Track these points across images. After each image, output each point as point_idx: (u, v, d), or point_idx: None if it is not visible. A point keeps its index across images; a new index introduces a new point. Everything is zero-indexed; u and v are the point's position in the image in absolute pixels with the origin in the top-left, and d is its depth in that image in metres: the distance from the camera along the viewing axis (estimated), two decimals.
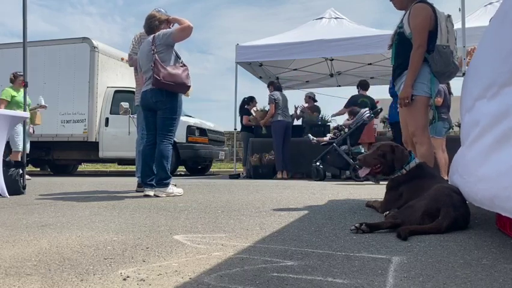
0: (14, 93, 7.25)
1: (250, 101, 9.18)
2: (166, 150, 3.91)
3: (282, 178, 7.37)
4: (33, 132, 8.01)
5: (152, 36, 3.98)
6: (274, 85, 8.09)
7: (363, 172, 2.72)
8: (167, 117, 3.93)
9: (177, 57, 4.01)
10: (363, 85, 7.97)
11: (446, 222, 1.93)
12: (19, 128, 7.18)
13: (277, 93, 7.82)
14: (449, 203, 1.97)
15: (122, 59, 10.17)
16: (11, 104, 7.18)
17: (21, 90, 7.49)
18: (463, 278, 1.26)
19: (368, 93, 7.97)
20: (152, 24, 4.05)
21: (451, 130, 6.85)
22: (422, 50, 2.95)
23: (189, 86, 3.97)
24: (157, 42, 3.90)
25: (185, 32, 3.91)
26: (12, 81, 7.36)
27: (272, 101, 7.75)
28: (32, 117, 7.53)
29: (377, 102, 7.96)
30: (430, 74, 3.02)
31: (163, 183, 3.89)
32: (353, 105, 7.80)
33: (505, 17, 1.70)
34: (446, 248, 1.66)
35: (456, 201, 2.01)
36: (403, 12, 3.19)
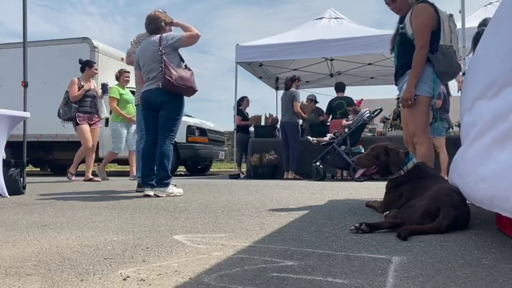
0: (121, 91, 6.93)
1: (241, 100, 9.20)
2: (168, 150, 3.92)
3: (287, 179, 7.32)
4: None
5: (158, 36, 3.97)
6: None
7: (358, 173, 2.74)
8: (170, 117, 3.94)
9: (181, 60, 4.04)
10: (338, 87, 8.04)
11: (446, 222, 1.93)
12: (123, 130, 6.88)
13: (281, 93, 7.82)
14: (449, 203, 1.97)
15: (122, 59, 10.14)
16: (120, 102, 6.84)
17: (126, 88, 7.11)
18: (463, 278, 1.26)
19: (367, 93, 8.03)
20: (158, 25, 4.05)
21: (450, 130, 6.87)
22: (425, 51, 2.95)
23: (196, 90, 4.03)
24: (164, 44, 3.91)
25: (193, 39, 3.99)
26: (117, 78, 7.04)
27: None
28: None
29: (360, 101, 7.97)
30: (433, 74, 3.02)
31: (163, 183, 3.89)
32: (330, 108, 7.84)
33: (505, 17, 1.70)
34: (446, 248, 1.66)
35: (456, 201, 2.01)
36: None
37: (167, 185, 3.90)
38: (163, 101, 3.89)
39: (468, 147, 2.13)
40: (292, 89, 7.64)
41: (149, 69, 3.95)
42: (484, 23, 4.04)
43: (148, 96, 3.94)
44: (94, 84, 6.80)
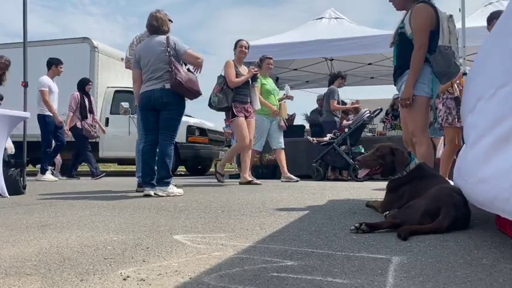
0: (263, 80, 5.96)
1: None
2: (170, 150, 3.96)
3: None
4: (285, 126, 6.53)
5: (164, 37, 3.99)
6: None
7: (362, 173, 2.70)
8: (173, 118, 3.98)
9: (184, 64, 4.10)
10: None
11: (446, 222, 1.92)
12: (267, 125, 5.98)
13: None
14: (450, 203, 1.97)
15: (122, 59, 10.16)
16: (261, 92, 5.86)
17: (269, 78, 6.23)
18: (463, 278, 1.26)
19: (367, 93, 8.01)
20: (163, 28, 4.08)
21: None
22: (423, 51, 2.95)
23: (201, 94, 4.08)
24: (171, 46, 3.94)
25: (195, 62, 4.07)
26: (259, 66, 6.04)
27: None
28: (279, 109, 6.31)
29: (356, 102, 7.95)
30: (431, 74, 3.02)
31: (163, 181, 3.90)
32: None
33: (509, 17, 1.70)
34: (446, 248, 1.66)
35: (457, 201, 2.00)
36: (404, 11, 3.20)
37: (167, 184, 3.91)
38: (169, 101, 3.91)
39: (470, 148, 2.12)
40: (332, 86, 7.39)
41: (153, 69, 3.93)
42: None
43: (150, 96, 3.92)
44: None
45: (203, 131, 9.44)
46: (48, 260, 1.51)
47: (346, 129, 6.84)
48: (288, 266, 1.40)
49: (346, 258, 1.50)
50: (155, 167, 3.97)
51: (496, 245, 1.72)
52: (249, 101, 5.50)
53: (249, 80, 5.45)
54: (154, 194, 3.87)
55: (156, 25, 4.06)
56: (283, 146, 6.24)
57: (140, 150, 4.24)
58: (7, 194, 3.90)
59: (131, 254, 1.60)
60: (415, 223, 1.96)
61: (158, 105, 3.92)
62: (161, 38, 3.99)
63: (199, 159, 9.79)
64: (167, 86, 3.88)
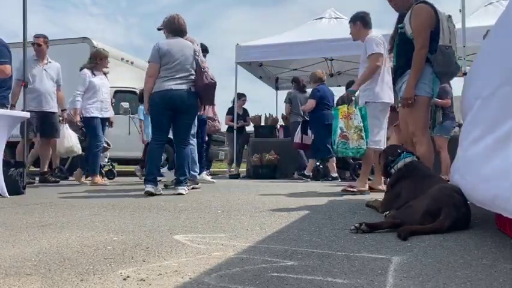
0: None
1: (238, 98, 9.04)
2: (190, 151, 4.23)
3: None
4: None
5: (190, 43, 4.14)
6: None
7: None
8: (192, 121, 4.18)
9: None
10: (350, 85, 8.06)
11: (447, 222, 1.92)
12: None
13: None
14: (451, 203, 1.97)
15: (122, 59, 10.16)
16: None
17: None
18: (463, 278, 1.26)
19: None
20: (185, 29, 4.20)
21: (457, 129, 6.82)
22: (424, 51, 2.96)
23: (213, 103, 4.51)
24: (196, 52, 4.11)
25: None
26: None
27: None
28: None
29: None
30: (432, 74, 3.03)
31: (187, 180, 4.19)
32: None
33: (508, 18, 1.70)
34: (446, 248, 1.66)
35: (457, 201, 2.00)
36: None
37: (187, 182, 4.24)
38: (192, 104, 4.04)
39: (470, 147, 2.12)
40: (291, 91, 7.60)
41: (179, 68, 3.97)
42: None
43: (173, 96, 3.91)
44: None
45: None
46: (48, 260, 1.51)
47: None
48: (288, 266, 1.40)
49: (346, 258, 1.50)
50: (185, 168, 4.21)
51: (496, 245, 1.72)
52: None
53: None
54: (178, 193, 3.96)
55: (179, 26, 4.15)
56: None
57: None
58: (7, 194, 3.89)
59: (131, 254, 1.60)
60: (416, 223, 1.96)
61: (181, 106, 3.95)
62: (189, 43, 4.14)
63: None
64: (193, 88, 4.02)
